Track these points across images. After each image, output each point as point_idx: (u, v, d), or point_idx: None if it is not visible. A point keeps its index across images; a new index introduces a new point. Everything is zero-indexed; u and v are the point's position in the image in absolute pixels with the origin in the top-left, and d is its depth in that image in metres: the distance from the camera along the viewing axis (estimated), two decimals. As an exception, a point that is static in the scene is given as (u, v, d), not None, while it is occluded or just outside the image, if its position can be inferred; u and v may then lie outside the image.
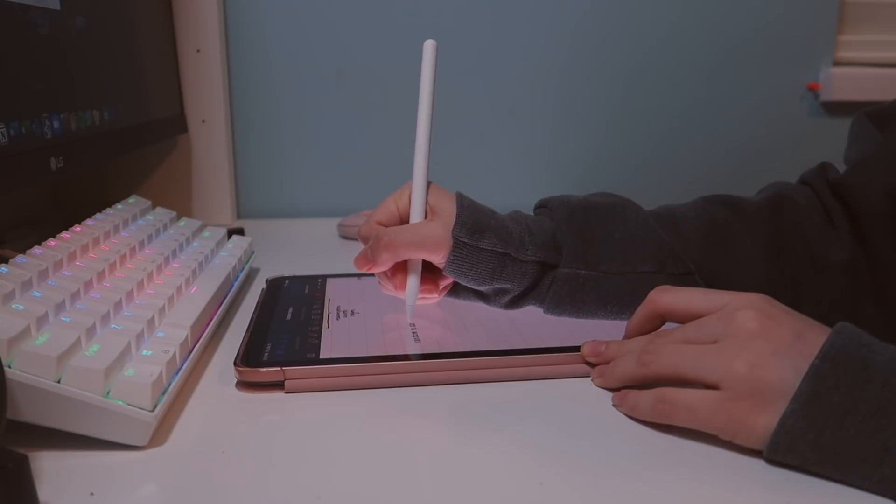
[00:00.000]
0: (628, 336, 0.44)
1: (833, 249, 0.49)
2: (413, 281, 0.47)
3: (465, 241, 0.45)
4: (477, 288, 0.47)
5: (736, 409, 0.35)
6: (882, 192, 0.48)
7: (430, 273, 0.48)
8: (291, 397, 0.42)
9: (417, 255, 0.46)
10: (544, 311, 0.48)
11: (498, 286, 0.47)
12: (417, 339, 0.48)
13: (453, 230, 0.45)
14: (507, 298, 0.48)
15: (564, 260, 0.47)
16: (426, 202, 0.47)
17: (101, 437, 0.36)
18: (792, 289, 0.49)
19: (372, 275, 0.48)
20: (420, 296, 0.47)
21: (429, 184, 0.47)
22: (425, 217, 0.47)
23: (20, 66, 0.49)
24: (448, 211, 0.46)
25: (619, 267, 0.47)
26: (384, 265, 0.46)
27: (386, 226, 0.47)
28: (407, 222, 0.47)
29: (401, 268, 0.47)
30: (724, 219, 0.50)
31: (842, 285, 0.49)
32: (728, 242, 0.49)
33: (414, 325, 0.50)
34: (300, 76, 0.91)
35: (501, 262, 0.45)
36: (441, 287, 0.49)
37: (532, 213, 0.51)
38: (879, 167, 0.50)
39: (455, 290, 0.49)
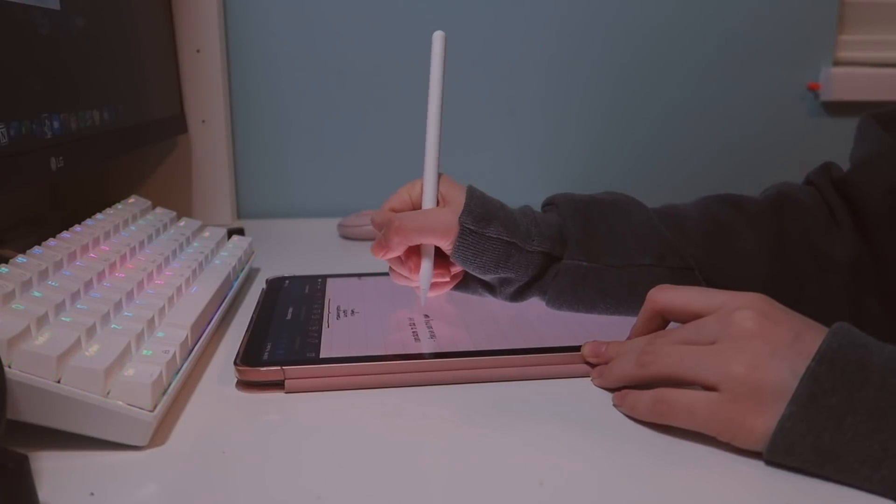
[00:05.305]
0: (632, 337, 0.44)
1: (837, 247, 0.50)
2: (426, 265, 0.48)
3: (471, 227, 0.46)
4: (481, 276, 0.48)
5: (734, 410, 0.35)
6: (886, 189, 0.49)
7: (442, 259, 0.49)
8: (291, 397, 0.42)
9: (427, 240, 0.47)
10: (546, 304, 0.49)
11: (502, 275, 0.47)
12: (417, 339, 0.48)
13: (460, 217, 0.46)
14: (511, 289, 0.49)
15: (568, 252, 0.48)
16: (438, 191, 0.48)
17: (101, 437, 0.36)
18: (796, 286, 0.49)
19: (372, 275, 0.48)
20: (433, 280, 0.48)
21: (440, 176, 0.48)
22: (437, 205, 0.48)
23: (20, 66, 0.49)
24: (458, 200, 0.47)
25: (620, 260, 0.48)
26: (397, 249, 0.47)
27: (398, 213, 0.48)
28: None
29: (414, 252, 0.48)
30: (727, 217, 0.50)
31: (845, 282, 0.49)
32: (731, 240, 0.50)
33: (414, 324, 0.50)
34: (300, 76, 0.91)
35: (507, 250, 0.46)
36: (453, 273, 0.50)
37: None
38: (884, 165, 0.50)
39: (465, 282, 0.50)
